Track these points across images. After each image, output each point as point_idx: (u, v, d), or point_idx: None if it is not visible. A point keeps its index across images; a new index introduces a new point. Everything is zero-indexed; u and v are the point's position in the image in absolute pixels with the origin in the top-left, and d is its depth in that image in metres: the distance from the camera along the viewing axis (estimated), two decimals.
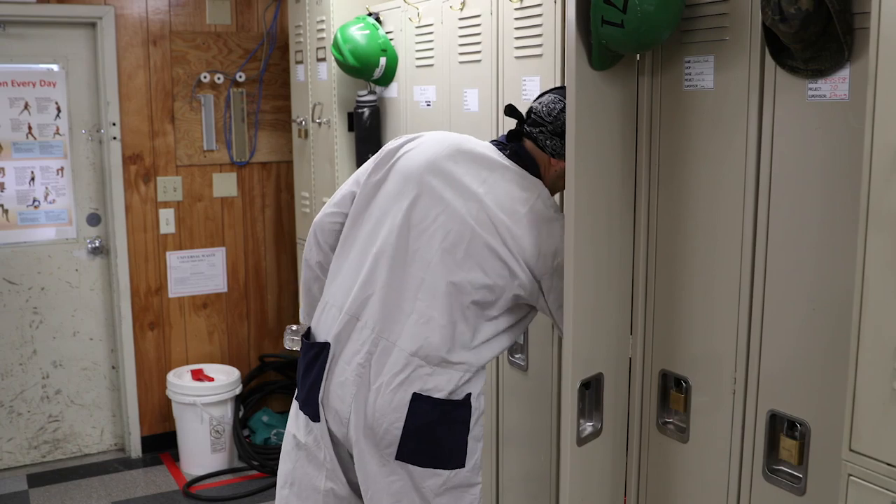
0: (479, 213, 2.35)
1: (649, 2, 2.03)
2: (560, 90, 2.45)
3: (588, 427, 2.40)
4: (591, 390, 2.39)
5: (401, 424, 2.35)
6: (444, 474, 2.40)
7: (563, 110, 2.38)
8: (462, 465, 2.41)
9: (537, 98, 2.47)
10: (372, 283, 2.40)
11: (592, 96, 2.25)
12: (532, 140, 2.44)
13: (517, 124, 2.49)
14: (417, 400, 2.34)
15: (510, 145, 2.46)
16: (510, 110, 2.49)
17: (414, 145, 2.49)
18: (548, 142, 2.42)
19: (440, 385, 2.35)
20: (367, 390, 2.38)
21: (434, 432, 2.38)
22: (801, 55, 1.90)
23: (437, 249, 2.36)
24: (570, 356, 2.26)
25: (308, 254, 2.69)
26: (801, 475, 2.03)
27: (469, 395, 2.40)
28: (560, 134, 2.38)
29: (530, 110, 2.46)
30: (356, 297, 2.42)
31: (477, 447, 2.47)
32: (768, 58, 1.99)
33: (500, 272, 2.34)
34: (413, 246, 2.38)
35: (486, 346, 2.42)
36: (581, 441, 2.35)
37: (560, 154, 2.39)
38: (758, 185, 2.06)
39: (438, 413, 2.36)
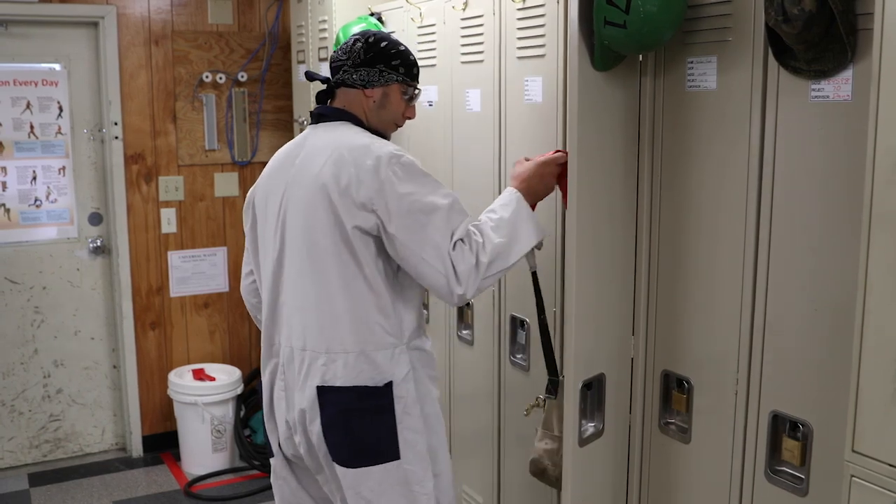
0: (305, 190, 2.38)
1: (652, 2, 2.03)
2: (350, 35, 2.54)
3: (590, 428, 2.40)
4: (592, 391, 2.39)
5: (318, 423, 2.36)
6: (376, 471, 2.36)
7: (355, 42, 2.46)
8: (396, 457, 2.36)
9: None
10: (274, 305, 2.48)
11: (595, 97, 2.25)
12: (344, 84, 2.47)
13: (324, 82, 2.54)
14: (323, 393, 2.35)
15: (315, 113, 2.52)
16: (309, 76, 2.64)
17: (258, 181, 2.60)
18: (354, 76, 2.45)
19: (337, 373, 2.35)
20: (291, 400, 2.44)
21: (350, 425, 2.35)
22: (804, 56, 1.90)
23: (298, 239, 2.39)
24: (571, 356, 2.27)
25: (254, 315, 2.76)
26: (803, 476, 2.03)
27: (390, 382, 2.36)
28: (362, 63, 2.44)
29: (329, 63, 2.53)
30: (267, 326, 2.52)
31: (417, 438, 2.40)
32: (771, 59, 1.99)
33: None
34: (286, 252, 2.43)
35: (384, 317, 2.37)
36: (583, 441, 2.35)
37: (370, 82, 2.45)
38: (760, 186, 2.06)
39: (345, 403, 2.35)
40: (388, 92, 2.47)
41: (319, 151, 2.38)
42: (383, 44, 2.47)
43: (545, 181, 2.46)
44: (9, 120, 4.63)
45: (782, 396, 2.06)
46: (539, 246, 2.46)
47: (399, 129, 2.60)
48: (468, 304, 3.25)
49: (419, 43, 3.46)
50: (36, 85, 4.67)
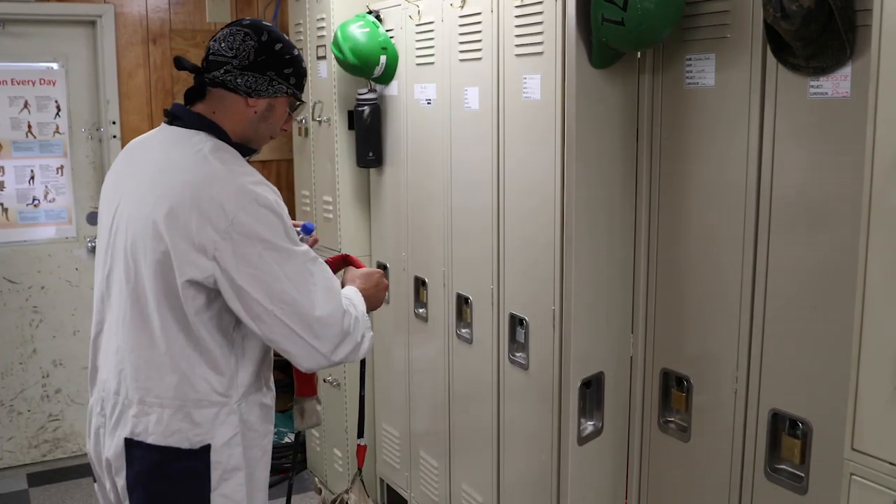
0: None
1: (650, 0, 2.03)
2: (236, 23, 2.12)
3: (589, 426, 2.40)
4: (591, 389, 2.38)
5: (123, 478, 2.07)
6: None
7: (245, 38, 2.07)
8: None
9: (212, 38, 2.13)
10: (100, 327, 2.20)
11: (593, 94, 2.24)
12: (222, 86, 2.08)
13: (195, 78, 2.13)
14: (130, 447, 2.03)
15: (171, 113, 2.14)
16: (180, 63, 2.13)
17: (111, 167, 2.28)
18: (238, 79, 2.06)
19: (149, 427, 2.02)
20: (101, 442, 2.14)
21: (156, 487, 2.04)
22: (802, 53, 1.90)
23: (122, 270, 2.09)
24: (570, 355, 2.26)
25: None
26: (802, 474, 2.03)
27: (207, 446, 2.03)
28: (251, 66, 2.06)
29: (207, 53, 2.11)
30: (93, 346, 2.23)
31: None
32: (770, 55, 1.99)
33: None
34: (113, 276, 2.12)
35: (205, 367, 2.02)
36: (582, 440, 2.35)
37: (256, 90, 2.08)
38: (759, 183, 2.05)
39: (153, 463, 2.03)
40: (274, 104, 2.12)
41: (159, 174, 2.01)
42: (278, 46, 2.09)
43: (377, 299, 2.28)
44: (6, 119, 4.62)
45: (782, 395, 2.06)
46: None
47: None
48: (467, 302, 3.24)
49: (417, 41, 3.46)
50: (34, 84, 4.66)
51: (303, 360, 2.01)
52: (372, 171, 3.94)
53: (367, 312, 2.18)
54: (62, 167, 4.77)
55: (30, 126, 4.68)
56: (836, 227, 1.89)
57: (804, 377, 2.00)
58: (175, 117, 2.12)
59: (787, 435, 2.06)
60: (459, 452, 3.42)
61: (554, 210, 2.69)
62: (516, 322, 2.98)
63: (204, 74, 2.10)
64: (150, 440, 2.02)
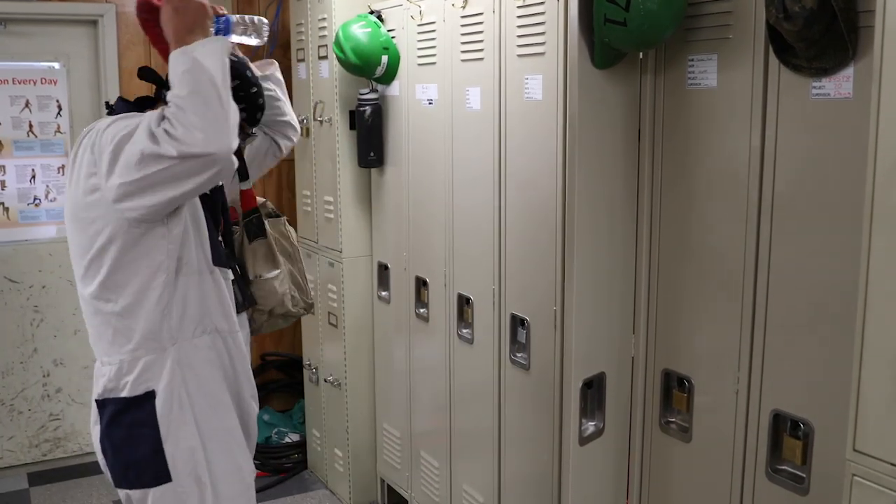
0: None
1: (652, 0, 2.03)
2: None
3: (590, 426, 2.40)
4: (593, 389, 2.38)
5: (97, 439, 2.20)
6: (149, 494, 2.12)
7: None
8: (167, 479, 2.11)
9: None
10: None
11: (595, 95, 2.24)
12: None
13: (155, 90, 2.24)
14: (99, 406, 2.16)
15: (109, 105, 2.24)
16: (144, 73, 2.23)
17: None
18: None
19: (99, 382, 2.16)
20: None
21: (113, 441, 2.14)
22: (805, 54, 1.90)
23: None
24: (571, 355, 2.26)
25: None
26: (804, 475, 2.03)
27: (152, 391, 2.11)
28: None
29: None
30: None
31: (192, 456, 2.14)
32: (772, 56, 1.99)
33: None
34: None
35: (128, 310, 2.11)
36: (583, 441, 2.35)
37: None
38: (761, 184, 2.05)
39: (108, 416, 2.13)
40: None
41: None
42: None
43: (184, 16, 2.09)
44: (8, 118, 4.61)
45: (783, 395, 2.06)
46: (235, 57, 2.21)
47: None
48: (468, 302, 3.24)
49: (419, 41, 3.46)
50: (35, 83, 4.66)
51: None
52: (373, 171, 3.94)
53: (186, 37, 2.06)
54: (63, 167, 4.77)
55: (31, 125, 4.68)
56: (838, 227, 1.89)
57: (806, 378, 2.00)
58: (111, 109, 2.21)
59: (788, 436, 2.06)
60: (460, 453, 3.42)
61: (555, 210, 2.69)
62: (517, 322, 2.97)
63: (165, 91, 2.07)
64: (97, 394, 2.15)
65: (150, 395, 2.10)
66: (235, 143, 1.97)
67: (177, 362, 2.13)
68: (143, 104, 2.22)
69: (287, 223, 2.67)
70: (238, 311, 2.33)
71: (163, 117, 1.95)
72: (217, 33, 2.20)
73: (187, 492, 2.13)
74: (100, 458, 2.23)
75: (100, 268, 2.13)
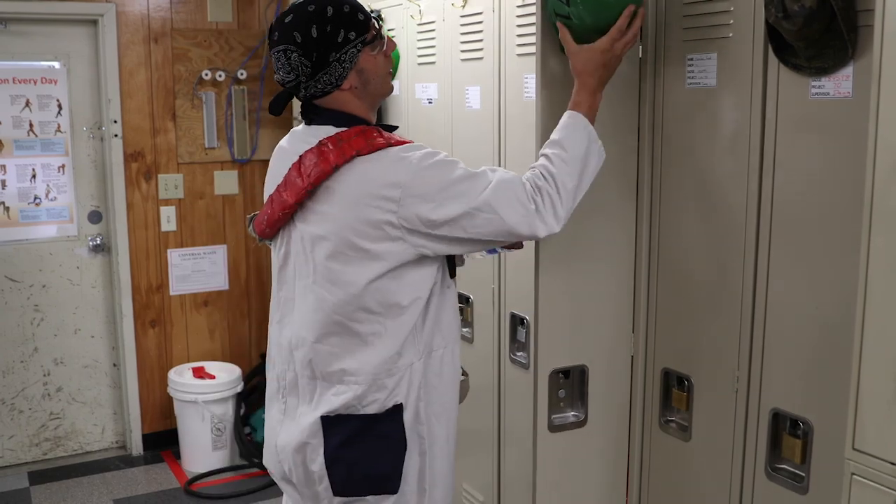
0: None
1: None
2: (273, 49, 2.08)
3: (570, 416, 2.41)
4: (570, 380, 2.39)
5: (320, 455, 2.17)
6: (377, 500, 2.15)
7: (289, 52, 2.02)
8: (397, 489, 2.15)
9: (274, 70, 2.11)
10: None
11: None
12: (315, 98, 2.11)
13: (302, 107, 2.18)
14: (335, 421, 2.13)
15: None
16: (274, 108, 2.17)
17: None
18: (319, 85, 2.07)
19: (336, 399, 2.13)
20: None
21: (352, 454, 2.14)
22: (804, 53, 1.90)
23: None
24: (536, 347, 2.29)
25: None
26: (803, 474, 2.03)
27: (399, 405, 2.13)
28: (315, 69, 2.02)
29: (282, 84, 2.13)
30: None
31: (421, 464, 2.20)
32: (771, 55, 1.99)
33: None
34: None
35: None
36: (554, 428, 2.36)
37: (340, 76, 2.05)
38: (760, 184, 2.06)
39: (350, 431, 2.13)
40: (362, 66, 2.07)
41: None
42: (314, 30, 2.00)
43: (610, 71, 2.15)
44: (8, 118, 4.62)
45: (783, 394, 2.06)
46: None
47: (401, 126, 2.49)
48: (467, 301, 3.24)
49: (419, 40, 3.46)
50: (35, 83, 4.67)
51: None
52: None
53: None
54: (63, 166, 4.78)
55: (31, 125, 4.68)
56: (837, 226, 1.89)
57: (805, 377, 2.00)
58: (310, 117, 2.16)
59: (787, 434, 2.06)
60: (460, 452, 3.42)
61: None
62: (517, 321, 2.98)
63: (300, 99, 2.14)
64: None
65: (398, 409, 2.11)
66: None
67: (423, 375, 2.15)
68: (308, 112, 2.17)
69: None
70: None
71: (536, 188, 2.03)
72: None
73: (408, 500, 2.16)
74: (316, 468, 2.14)
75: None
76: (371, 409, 2.09)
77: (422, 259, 2.06)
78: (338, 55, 2.04)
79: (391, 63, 2.20)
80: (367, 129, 2.07)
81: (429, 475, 2.19)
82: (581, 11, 2.07)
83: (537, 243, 2.27)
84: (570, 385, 2.40)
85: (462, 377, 2.36)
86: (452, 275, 2.21)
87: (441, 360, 2.18)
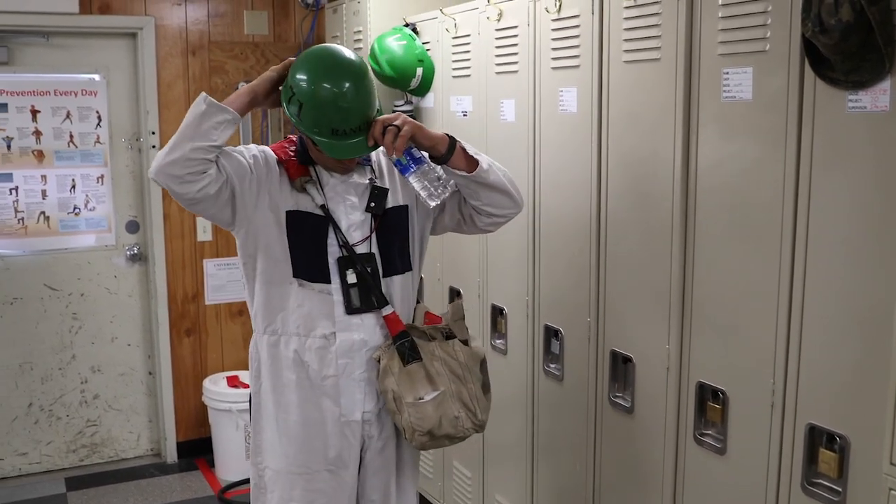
0: None
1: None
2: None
3: (620, 399, 2.54)
4: (620, 366, 2.46)
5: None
6: None
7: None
8: None
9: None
10: None
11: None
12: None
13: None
14: None
15: None
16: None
17: None
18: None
19: None
20: None
21: None
22: (841, 67, 1.89)
23: None
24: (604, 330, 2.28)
25: None
26: (840, 489, 2.02)
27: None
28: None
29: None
30: None
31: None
32: (808, 69, 1.99)
33: None
34: None
35: None
36: (612, 403, 2.39)
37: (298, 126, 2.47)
38: (797, 197, 2.05)
39: None
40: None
41: None
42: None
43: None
44: (49, 129, 4.71)
45: (819, 408, 2.05)
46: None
47: None
48: (501, 313, 3.25)
49: (453, 53, 3.48)
50: (76, 95, 4.75)
51: None
52: None
53: None
54: (102, 176, 4.85)
55: (71, 136, 4.76)
56: (874, 240, 1.88)
57: (842, 390, 1.99)
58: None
59: (824, 449, 2.05)
60: (493, 463, 3.43)
61: (590, 222, 2.70)
62: (551, 333, 2.98)
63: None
64: None
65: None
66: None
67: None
68: None
69: (463, 342, 2.55)
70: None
71: None
72: (397, 164, 2.37)
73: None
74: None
75: None
76: None
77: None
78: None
79: (337, 165, 2.51)
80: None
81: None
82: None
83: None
84: (620, 369, 2.48)
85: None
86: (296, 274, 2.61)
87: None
